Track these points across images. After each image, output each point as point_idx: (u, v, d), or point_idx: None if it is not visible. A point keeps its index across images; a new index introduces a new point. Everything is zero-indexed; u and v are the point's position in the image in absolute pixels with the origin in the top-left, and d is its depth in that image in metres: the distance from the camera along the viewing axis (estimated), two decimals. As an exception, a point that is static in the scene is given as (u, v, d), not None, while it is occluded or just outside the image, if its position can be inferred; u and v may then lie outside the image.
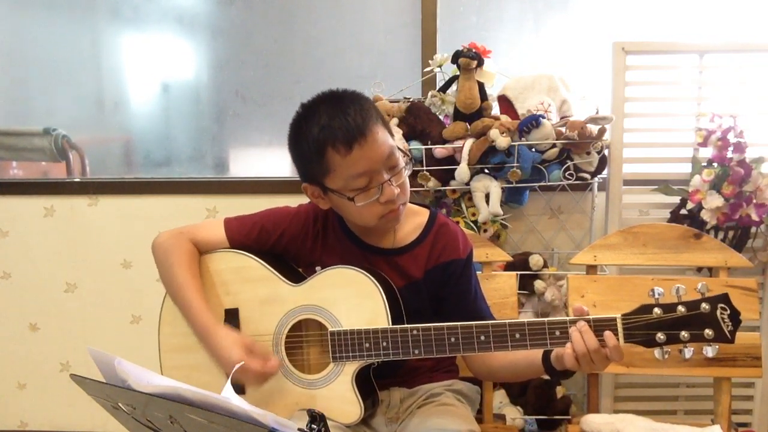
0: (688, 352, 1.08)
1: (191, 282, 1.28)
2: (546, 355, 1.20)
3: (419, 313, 1.27)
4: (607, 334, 1.09)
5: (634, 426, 1.50)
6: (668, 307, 1.09)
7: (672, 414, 2.12)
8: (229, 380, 0.86)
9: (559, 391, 2.01)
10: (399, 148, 1.26)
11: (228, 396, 0.74)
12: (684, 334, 1.08)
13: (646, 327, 1.09)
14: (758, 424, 2.07)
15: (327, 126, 1.17)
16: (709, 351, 1.07)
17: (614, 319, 1.10)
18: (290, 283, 1.28)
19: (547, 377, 1.93)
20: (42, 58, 2.32)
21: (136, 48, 2.33)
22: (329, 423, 0.80)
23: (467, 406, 1.38)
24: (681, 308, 1.08)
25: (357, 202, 1.20)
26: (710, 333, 1.07)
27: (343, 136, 1.15)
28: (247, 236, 1.35)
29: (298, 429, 0.73)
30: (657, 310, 1.09)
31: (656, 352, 1.09)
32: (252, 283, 1.30)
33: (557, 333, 1.13)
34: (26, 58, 2.33)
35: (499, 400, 1.98)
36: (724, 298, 1.08)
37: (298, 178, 1.31)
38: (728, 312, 1.07)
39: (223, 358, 1.20)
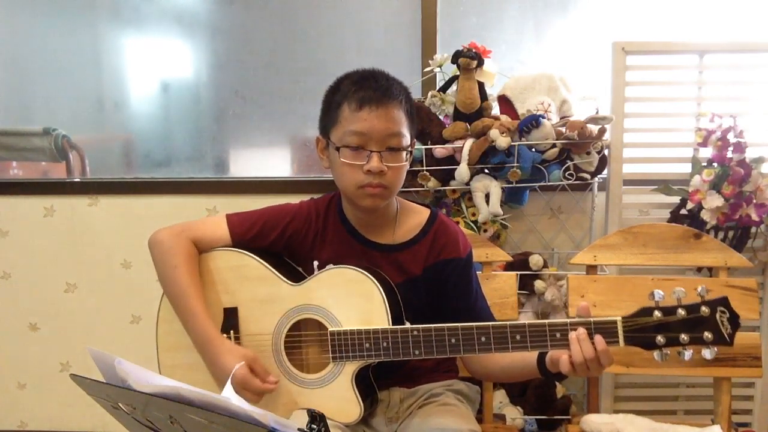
0: (687, 354, 1.09)
1: (192, 289, 1.28)
2: (541, 358, 1.20)
3: (417, 310, 1.27)
4: (598, 339, 1.10)
5: (634, 426, 1.50)
6: (668, 310, 1.09)
7: (672, 414, 2.12)
8: (230, 380, 0.86)
9: (559, 391, 2.01)
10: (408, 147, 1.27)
11: (228, 396, 0.74)
12: (683, 336, 1.08)
13: (647, 330, 1.09)
14: (758, 424, 2.07)
15: (354, 83, 1.25)
16: (708, 353, 1.08)
17: (615, 322, 1.11)
18: (290, 282, 1.28)
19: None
20: (42, 58, 2.32)
21: (136, 48, 2.33)
22: (329, 423, 0.80)
23: (468, 406, 1.38)
24: (681, 311, 1.08)
25: (341, 155, 1.24)
26: (709, 336, 1.07)
27: (360, 96, 1.22)
28: (249, 230, 1.35)
29: (298, 429, 0.73)
30: (657, 313, 1.09)
31: (655, 354, 1.10)
32: (251, 281, 1.30)
33: (558, 335, 1.13)
34: (26, 58, 2.33)
35: (499, 400, 1.98)
36: (724, 302, 1.08)
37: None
38: (727, 315, 1.08)
39: (224, 370, 1.20)
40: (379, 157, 1.22)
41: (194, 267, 1.31)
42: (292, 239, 1.36)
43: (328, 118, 1.28)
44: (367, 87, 1.23)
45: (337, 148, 1.24)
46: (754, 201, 1.85)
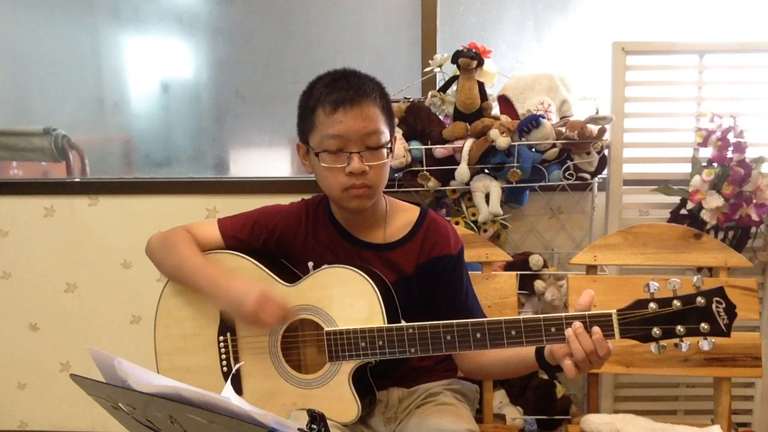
0: (684, 345, 1.08)
1: (197, 254, 1.29)
2: (539, 351, 1.19)
3: (411, 308, 1.27)
4: (595, 329, 1.09)
5: (634, 426, 1.51)
6: (663, 302, 1.08)
7: (672, 414, 2.12)
8: (229, 380, 0.86)
9: (559, 391, 2.01)
10: (390, 146, 1.26)
11: (228, 396, 0.74)
12: (680, 328, 1.07)
13: (642, 322, 1.09)
14: (758, 424, 2.07)
15: (326, 86, 1.23)
16: (705, 344, 1.07)
17: (610, 315, 1.10)
18: (285, 283, 1.28)
19: (545, 376, 1.95)
20: (42, 58, 2.32)
21: (136, 48, 2.33)
22: (327, 422, 0.80)
23: (466, 406, 1.38)
24: (676, 302, 1.08)
25: (321, 160, 1.23)
26: (706, 327, 1.07)
27: (333, 99, 1.21)
28: (240, 231, 1.35)
29: (298, 429, 0.73)
30: (652, 305, 1.08)
31: (652, 346, 1.09)
32: (248, 283, 1.30)
33: (553, 329, 1.12)
34: (26, 58, 2.33)
35: (499, 400, 1.98)
36: (720, 292, 1.07)
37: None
38: (724, 305, 1.07)
39: (242, 299, 1.20)
40: (360, 158, 1.21)
41: (195, 245, 1.32)
42: (283, 239, 1.36)
43: (305, 124, 1.27)
44: (340, 88, 1.22)
45: (317, 154, 1.24)
46: (754, 201, 1.85)
